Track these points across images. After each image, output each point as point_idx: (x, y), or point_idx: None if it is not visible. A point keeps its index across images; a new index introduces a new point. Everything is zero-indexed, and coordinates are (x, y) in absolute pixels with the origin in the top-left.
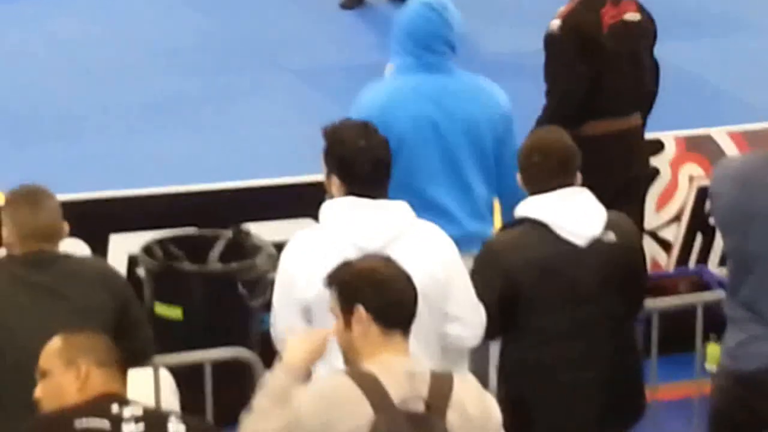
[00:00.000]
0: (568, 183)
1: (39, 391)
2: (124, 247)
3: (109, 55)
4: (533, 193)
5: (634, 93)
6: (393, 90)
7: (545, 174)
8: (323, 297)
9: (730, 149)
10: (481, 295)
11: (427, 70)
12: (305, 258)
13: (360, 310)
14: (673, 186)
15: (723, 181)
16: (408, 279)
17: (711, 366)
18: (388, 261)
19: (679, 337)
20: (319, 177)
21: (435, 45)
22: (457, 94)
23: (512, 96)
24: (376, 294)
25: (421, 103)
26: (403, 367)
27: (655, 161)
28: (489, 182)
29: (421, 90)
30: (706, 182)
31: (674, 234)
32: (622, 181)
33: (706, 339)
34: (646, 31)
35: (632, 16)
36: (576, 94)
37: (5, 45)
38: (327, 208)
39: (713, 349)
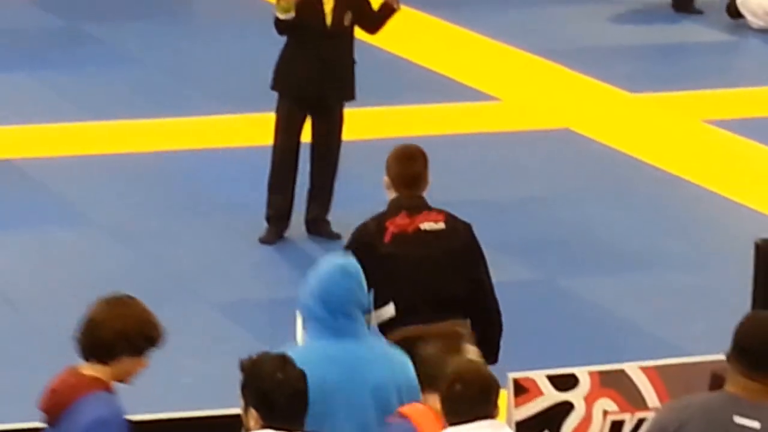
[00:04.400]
0: (489, 414)
1: None
2: None
3: (31, 285)
4: (452, 423)
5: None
6: (302, 356)
7: (467, 404)
8: None
9: (643, 384)
10: None
11: (337, 334)
12: None
13: None
14: (587, 420)
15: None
16: None
17: None
18: None
19: None
20: (238, 410)
21: (348, 309)
22: (366, 360)
23: None
24: None
25: (331, 368)
26: None
27: (568, 395)
28: None
29: (331, 356)
30: (620, 417)
31: None
32: None
33: None
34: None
35: (428, 225)
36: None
37: None
38: None
39: None
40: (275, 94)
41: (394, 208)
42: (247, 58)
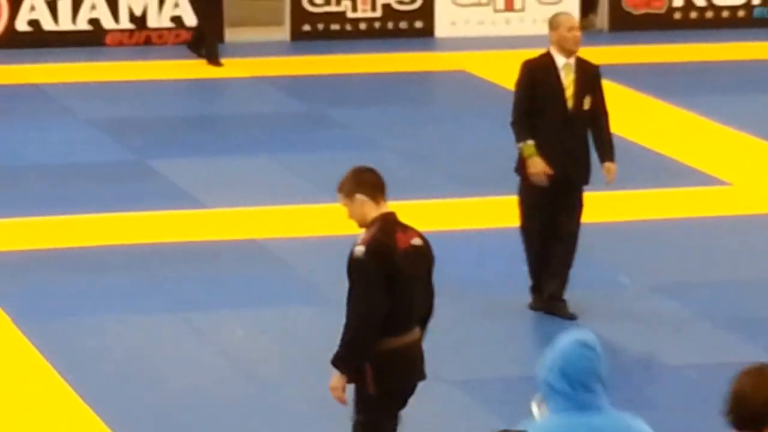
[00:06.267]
0: None
1: None
2: None
3: (274, 361)
4: None
5: (419, 307)
6: (545, 431)
7: None
8: None
9: None
10: None
11: (579, 408)
12: None
13: None
14: None
15: None
16: None
17: None
18: None
19: None
20: None
21: (590, 383)
22: None
23: None
24: None
25: None
26: None
27: None
28: None
29: (575, 430)
30: None
31: None
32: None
33: None
34: (427, 256)
35: (417, 241)
36: (377, 319)
37: (180, 354)
38: None
39: None
40: (512, 178)
41: (390, 223)
42: (484, 143)
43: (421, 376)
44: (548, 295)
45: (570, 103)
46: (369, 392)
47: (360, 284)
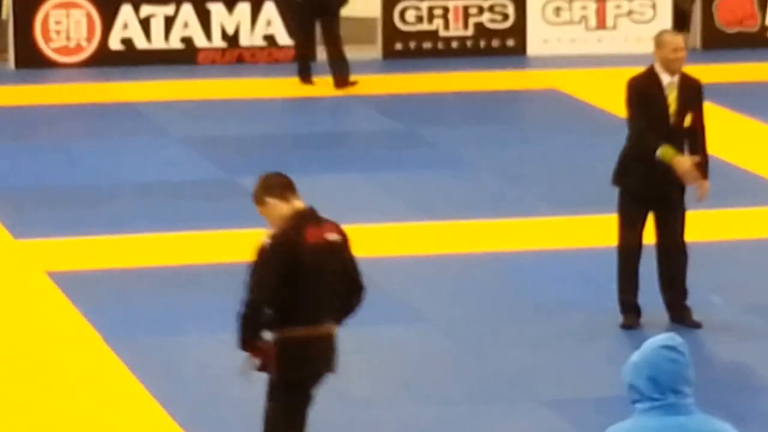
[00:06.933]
0: None
1: None
2: None
3: (365, 381)
4: None
5: (332, 301)
6: (632, 430)
7: None
8: None
9: None
10: None
11: (668, 412)
12: None
13: None
14: None
15: None
16: None
17: None
18: None
19: None
20: None
21: (679, 387)
22: None
23: None
24: None
25: None
26: None
27: None
28: None
29: (663, 430)
30: None
31: None
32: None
33: None
34: (343, 250)
35: (332, 236)
36: (262, 304)
37: None
38: None
39: None
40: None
41: (304, 218)
42: (575, 162)
43: (328, 369)
44: (667, 303)
45: (672, 120)
46: (273, 379)
47: (257, 272)
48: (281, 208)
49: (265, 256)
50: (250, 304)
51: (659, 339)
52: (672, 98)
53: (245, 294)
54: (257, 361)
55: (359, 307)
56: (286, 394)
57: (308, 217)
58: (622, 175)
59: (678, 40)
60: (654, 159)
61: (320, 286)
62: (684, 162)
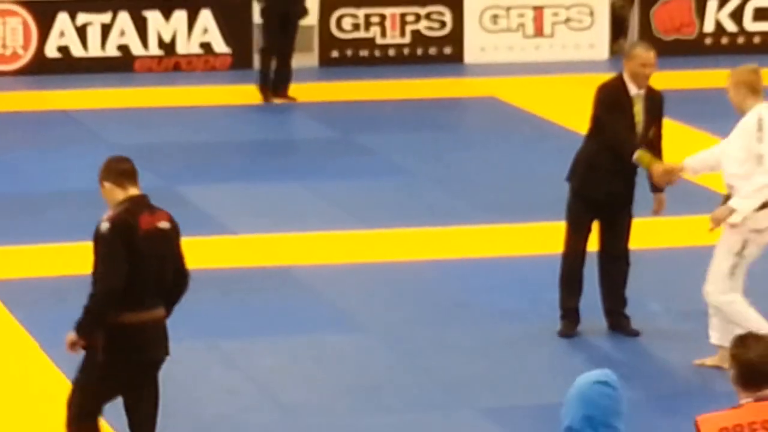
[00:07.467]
0: None
1: None
2: None
3: (302, 389)
4: None
5: (160, 288)
6: None
7: None
8: None
9: None
10: None
11: None
12: None
13: None
14: None
15: None
16: None
17: None
18: None
19: None
20: None
21: (612, 421)
22: None
23: None
24: None
25: None
26: None
27: None
28: None
29: None
30: None
31: None
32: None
33: None
34: (173, 238)
35: (164, 224)
36: (117, 290)
37: (210, 381)
38: None
39: None
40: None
41: (138, 205)
42: (513, 170)
43: (159, 353)
44: (607, 310)
45: (638, 130)
46: (97, 359)
47: (102, 258)
48: (116, 193)
49: (107, 242)
50: (105, 293)
51: (593, 375)
52: (638, 109)
53: (96, 283)
54: (83, 343)
55: (185, 293)
56: (107, 375)
57: (142, 204)
58: (582, 179)
59: (649, 55)
60: (629, 161)
61: (152, 271)
62: (660, 167)
